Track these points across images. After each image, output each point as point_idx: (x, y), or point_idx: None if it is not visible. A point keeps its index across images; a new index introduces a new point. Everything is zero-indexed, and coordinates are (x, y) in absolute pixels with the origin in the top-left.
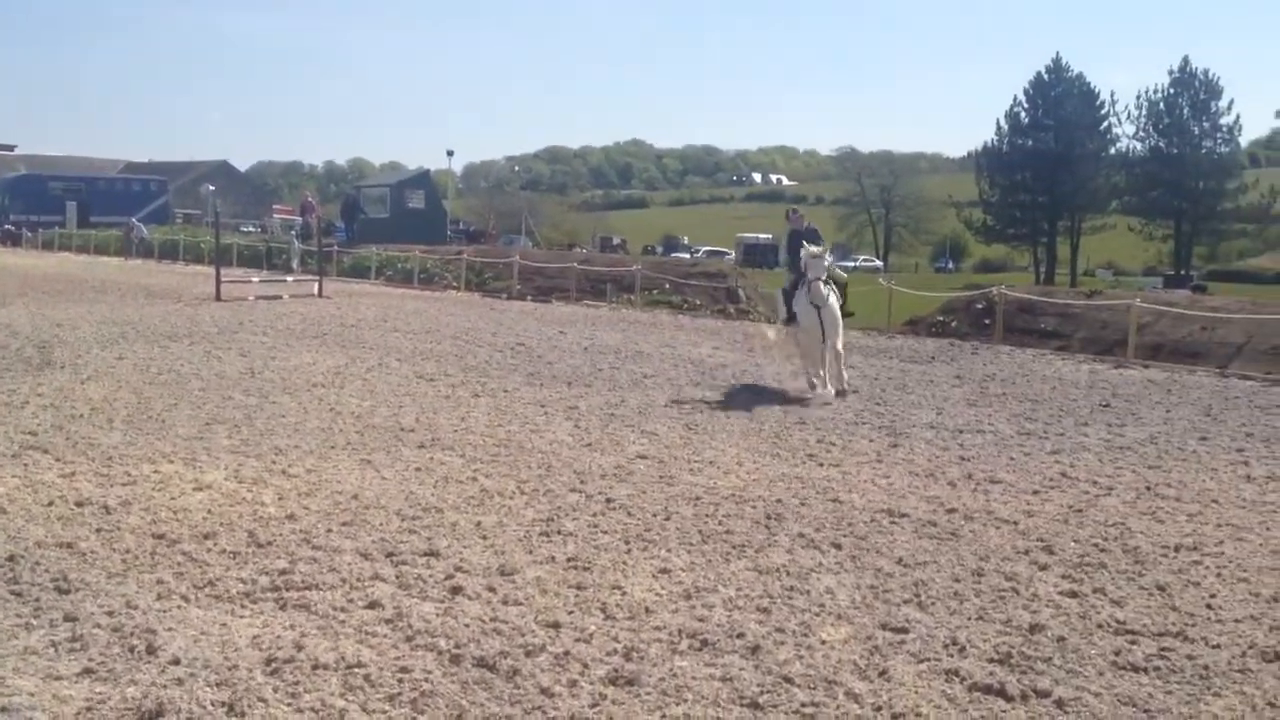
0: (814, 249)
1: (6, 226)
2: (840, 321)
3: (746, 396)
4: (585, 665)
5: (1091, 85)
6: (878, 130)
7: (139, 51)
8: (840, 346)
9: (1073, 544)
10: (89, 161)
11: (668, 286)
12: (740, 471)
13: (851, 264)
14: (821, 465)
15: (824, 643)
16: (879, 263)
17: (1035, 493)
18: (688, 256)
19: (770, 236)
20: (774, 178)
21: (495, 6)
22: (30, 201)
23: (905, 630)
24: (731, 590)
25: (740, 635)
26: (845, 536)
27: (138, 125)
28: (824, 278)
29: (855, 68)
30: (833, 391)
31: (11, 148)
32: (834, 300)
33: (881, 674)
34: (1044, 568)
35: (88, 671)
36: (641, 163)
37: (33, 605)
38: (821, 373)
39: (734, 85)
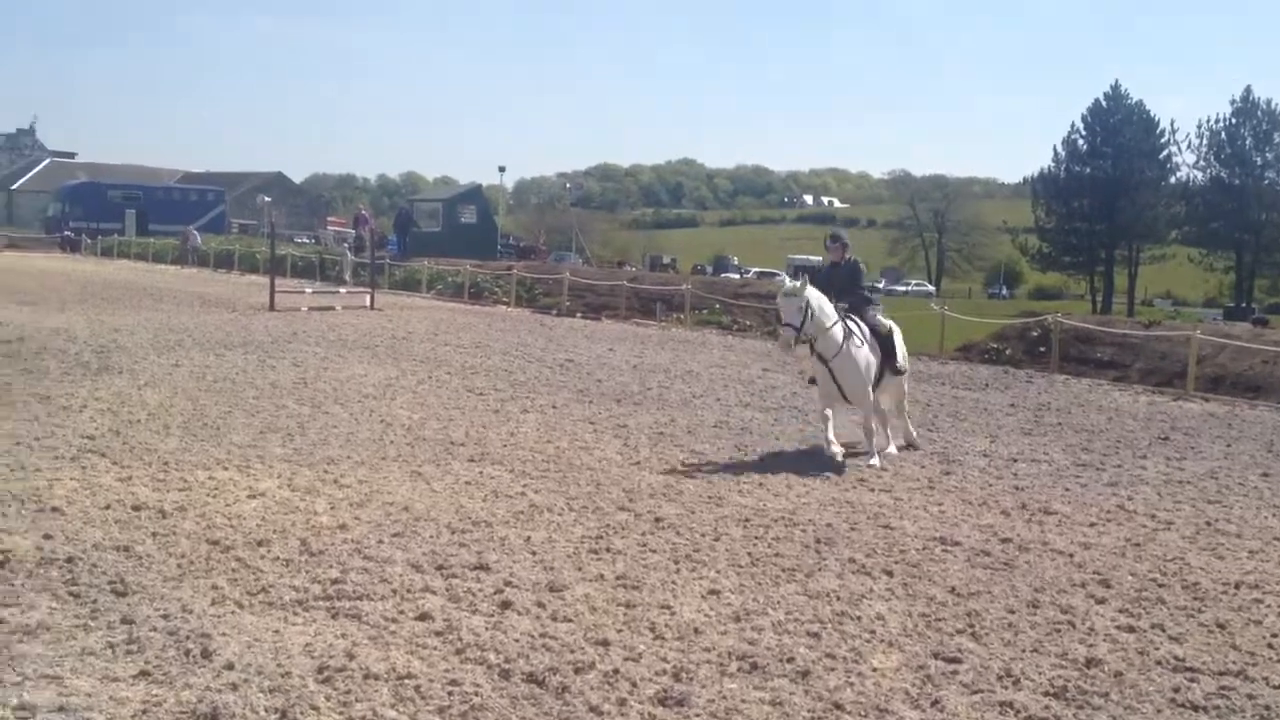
0: (788, 285)
1: (66, 233)
2: (865, 377)
3: (797, 419)
4: (634, 684)
5: (1151, 113)
6: (931, 154)
7: (198, 62)
8: (869, 410)
9: (1130, 578)
10: (148, 170)
11: (718, 306)
12: (790, 494)
13: (903, 288)
14: (872, 490)
15: (875, 670)
16: (931, 287)
17: (1092, 525)
18: (738, 277)
19: (821, 259)
20: (825, 200)
21: (549, 25)
22: (90, 209)
23: (958, 660)
24: (781, 614)
25: (790, 659)
26: (896, 563)
27: (196, 135)
28: (801, 323)
29: (909, 91)
30: (878, 461)
31: (72, 155)
32: (855, 349)
33: (934, 704)
34: (1101, 601)
35: (144, 674)
36: (692, 182)
37: (90, 607)
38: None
39: (786, 106)
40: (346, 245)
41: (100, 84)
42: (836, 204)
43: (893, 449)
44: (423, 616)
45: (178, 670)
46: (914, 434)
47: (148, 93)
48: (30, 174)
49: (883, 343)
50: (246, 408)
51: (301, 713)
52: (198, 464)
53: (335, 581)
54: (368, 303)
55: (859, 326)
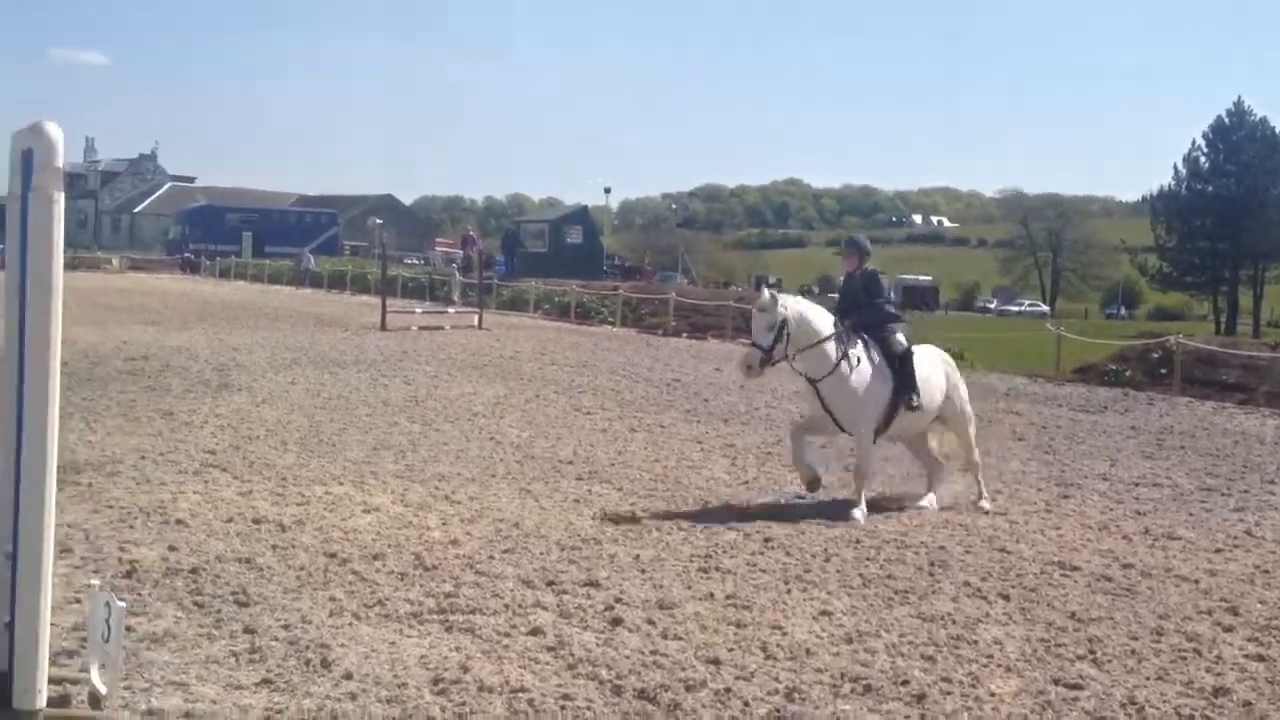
0: (763, 298)
1: (186, 255)
2: (864, 402)
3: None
4: (746, 703)
5: (1276, 130)
6: (1045, 172)
7: (311, 88)
8: (865, 445)
9: (1259, 605)
10: (264, 194)
11: None
12: (901, 516)
13: (1016, 309)
14: (987, 513)
15: (993, 695)
16: (1045, 307)
17: (1218, 551)
18: None
19: (930, 279)
20: (935, 219)
21: (651, 47)
22: (209, 231)
23: (1079, 687)
24: (894, 636)
25: (905, 682)
26: (1014, 587)
27: (309, 159)
28: (771, 344)
29: (1021, 108)
30: (859, 515)
31: (191, 179)
32: (852, 368)
33: None
34: (1229, 629)
35: (266, 682)
36: (798, 202)
37: (214, 616)
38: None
39: (894, 124)
40: (455, 266)
41: (218, 110)
42: (946, 223)
43: (929, 502)
44: (534, 631)
45: (299, 679)
46: (985, 496)
47: (263, 118)
48: (152, 198)
49: (896, 366)
50: (360, 425)
51: None
52: (314, 479)
53: (448, 595)
54: (476, 322)
55: (865, 344)
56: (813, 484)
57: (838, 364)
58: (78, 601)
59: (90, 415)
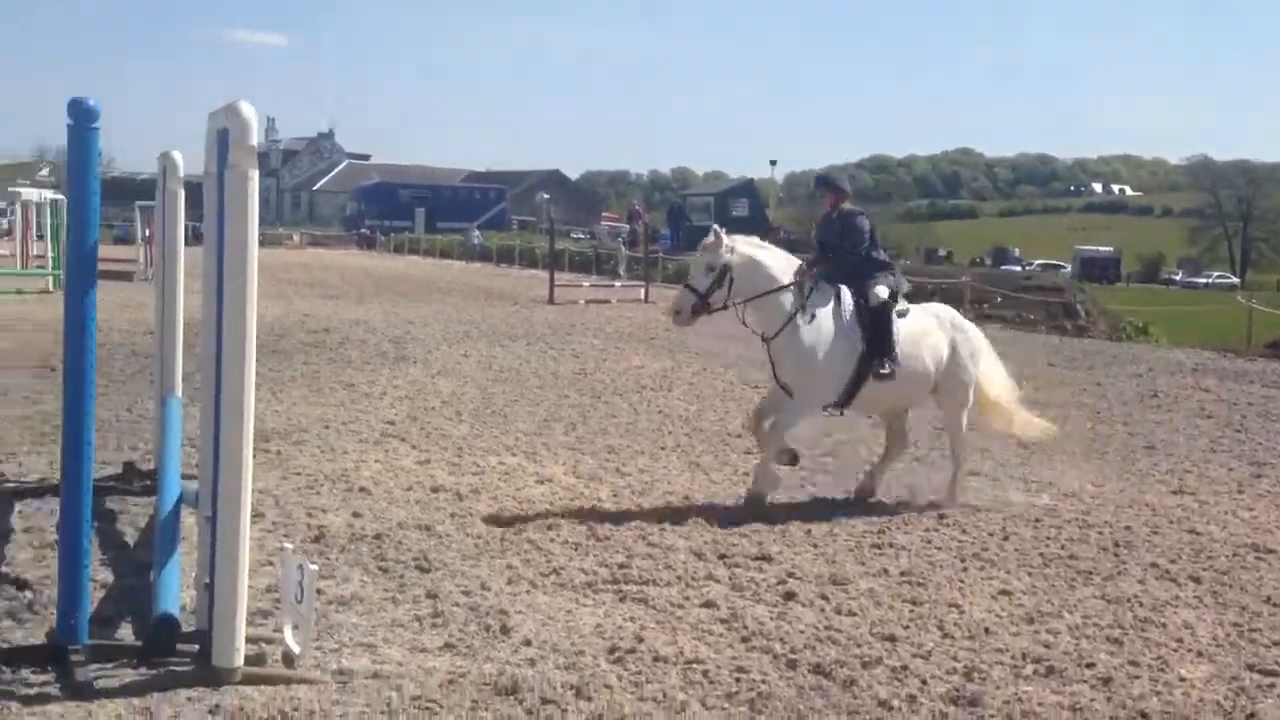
0: (709, 237)
1: (362, 230)
2: (815, 365)
3: (1084, 417)
4: (924, 681)
5: None
6: (1234, 138)
7: (478, 66)
8: (798, 411)
9: None
10: (435, 170)
11: (999, 300)
12: (1082, 495)
13: (1204, 281)
14: (1175, 493)
15: (1183, 680)
16: (1235, 279)
17: None
18: (1019, 269)
19: (1111, 249)
20: (1116, 188)
21: (818, 19)
22: (383, 207)
23: (1276, 674)
24: (1078, 617)
25: (1090, 665)
26: (1204, 570)
27: (478, 135)
28: (708, 288)
29: (1208, 71)
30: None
31: (366, 157)
32: (808, 324)
33: (1249, 717)
34: None
35: (448, 646)
36: (970, 171)
37: (398, 581)
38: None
39: (1071, 90)
40: (621, 240)
41: (391, 89)
42: (1129, 191)
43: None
44: (707, 604)
45: (479, 644)
46: (955, 495)
47: (434, 96)
48: (329, 175)
49: (871, 320)
50: (531, 397)
51: (595, 690)
52: (488, 450)
53: (621, 566)
54: (642, 295)
55: (837, 296)
56: (783, 456)
57: (791, 318)
58: (270, 564)
59: (277, 385)
